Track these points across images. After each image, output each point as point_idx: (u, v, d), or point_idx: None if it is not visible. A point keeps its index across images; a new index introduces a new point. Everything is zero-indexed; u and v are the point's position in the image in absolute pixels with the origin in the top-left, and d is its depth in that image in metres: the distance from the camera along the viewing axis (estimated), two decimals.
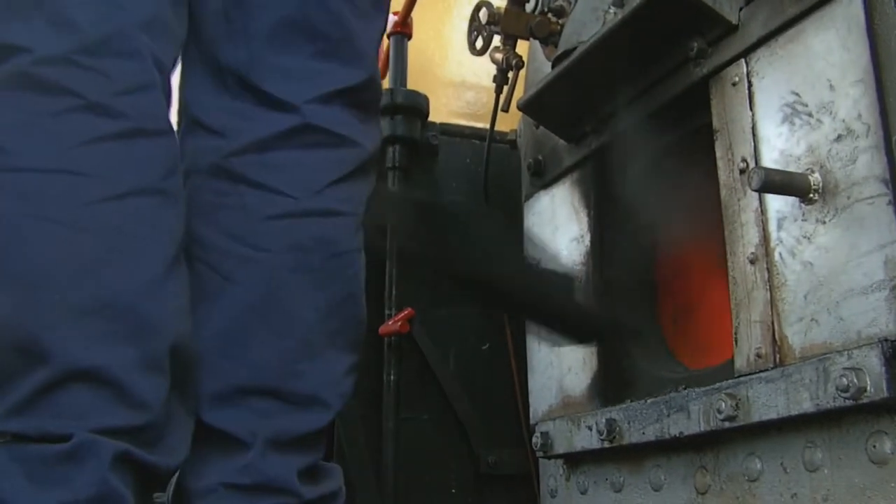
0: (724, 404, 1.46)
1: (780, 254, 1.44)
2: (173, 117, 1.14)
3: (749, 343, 1.48)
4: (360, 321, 1.25)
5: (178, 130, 1.19)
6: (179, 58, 1.17)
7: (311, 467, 1.18)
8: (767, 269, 1.46)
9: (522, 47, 2.13)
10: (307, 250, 1.16)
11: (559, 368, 2.00)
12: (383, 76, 3.08)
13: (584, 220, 1.99)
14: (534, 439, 2.01)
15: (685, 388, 1.60)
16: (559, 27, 1.99)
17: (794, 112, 1.44)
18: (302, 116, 1.16)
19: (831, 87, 1.38)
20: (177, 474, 1.15)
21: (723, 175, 1.59)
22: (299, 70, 1.18)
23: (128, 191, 1.01)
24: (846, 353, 1.28)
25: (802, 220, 1.40)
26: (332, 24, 1.19)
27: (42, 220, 0.98)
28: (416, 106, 2.69)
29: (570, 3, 1.97)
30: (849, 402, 1.26)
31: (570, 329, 1.77)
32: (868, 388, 1.24)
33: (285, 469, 1.14)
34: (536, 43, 2.11)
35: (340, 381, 1.20)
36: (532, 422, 2.09)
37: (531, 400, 2.11)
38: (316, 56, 1.19)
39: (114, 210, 1.00)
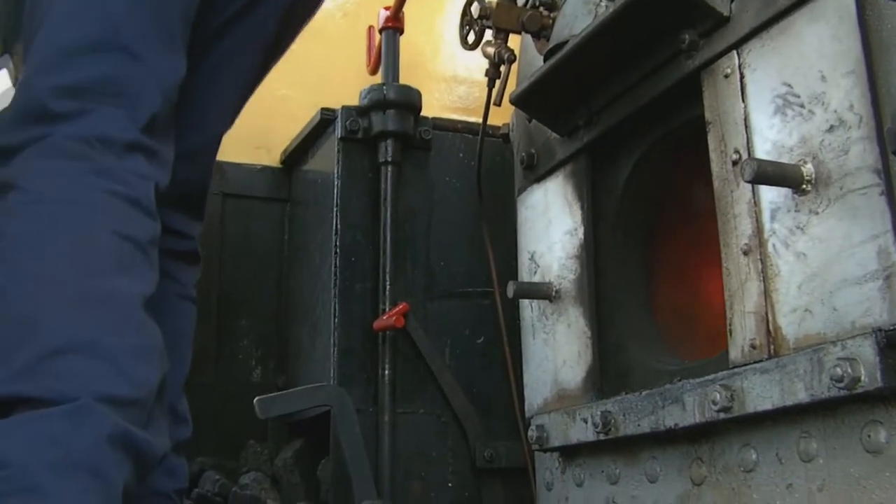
0: (718, 395, 1.46)
1: (774, 245, 1.44)
2: None
3: (743, 334, 1.48)
4: None
5: None
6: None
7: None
8: (761, 260, 1.47)
9: (514, 41, 2.13)
10: (191, 321, 1.78)
11: (554, 361, 2.00)
12: (375, 71, 3.08)
13: (578, 213, 1.99)
14: (529, 432, 2.01)
15: (680, 380, 1.60)
16: (551, 21, 1.99)
17: (787, 103, 1.44)
18: (196, 245, 1.82)
19: (823, 77, 1.38)
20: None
21: (715, 167, 1.59)
22: (192, 220, 1.81)
23: (129, 234, 1.34)
24: (840, 343, 1.28)
25: (795, 211, 1.41)
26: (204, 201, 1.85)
27: (58, 238, 1.27)
28: (409, 101, 2.69)
29: None
30: (843, 392, 1.26)
31: None
32: (862, 377, 1.24)
33: (184, 466, 1.68)
34: (528, 37, 2.10)
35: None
36: (527, 415, 2.09)
37: (526, 393, 2.11)
38: (195, 217, 1.82)
39: (121, 241, 1.32)
